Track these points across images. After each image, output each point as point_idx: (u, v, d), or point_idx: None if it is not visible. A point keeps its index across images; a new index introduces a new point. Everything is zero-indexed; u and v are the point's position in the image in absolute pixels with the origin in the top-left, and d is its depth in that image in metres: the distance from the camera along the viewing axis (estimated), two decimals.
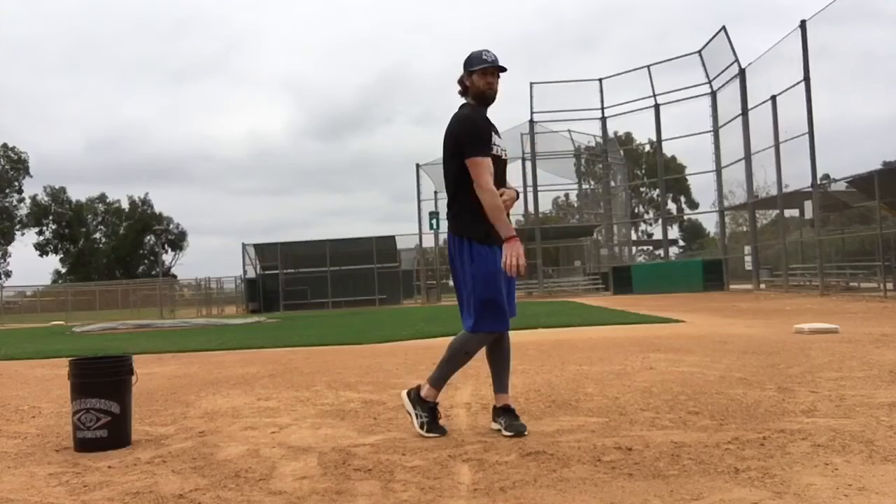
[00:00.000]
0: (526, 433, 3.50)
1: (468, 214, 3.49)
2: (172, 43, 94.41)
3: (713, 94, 29.87)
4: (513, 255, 3.35)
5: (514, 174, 36.60)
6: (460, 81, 3.65)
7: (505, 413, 3.63)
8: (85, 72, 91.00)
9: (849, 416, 3.62)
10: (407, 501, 2.55)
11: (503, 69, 3.58)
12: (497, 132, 3.65)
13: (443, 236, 36.26)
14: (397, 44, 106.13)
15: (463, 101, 3.67)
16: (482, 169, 3.42)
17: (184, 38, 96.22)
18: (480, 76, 3.56)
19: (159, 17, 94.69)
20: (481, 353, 3.72)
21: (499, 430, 3.57)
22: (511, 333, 3.77)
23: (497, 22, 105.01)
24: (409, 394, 3.75)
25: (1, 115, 79.43)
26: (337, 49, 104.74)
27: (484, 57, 3.56)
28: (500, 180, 3.57)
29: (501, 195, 3.48)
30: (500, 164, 3.59)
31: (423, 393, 3.69)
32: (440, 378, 3.70)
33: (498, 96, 3.63)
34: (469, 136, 3.47)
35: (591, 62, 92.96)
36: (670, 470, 2.77)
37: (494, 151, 3.54)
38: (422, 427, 3.60)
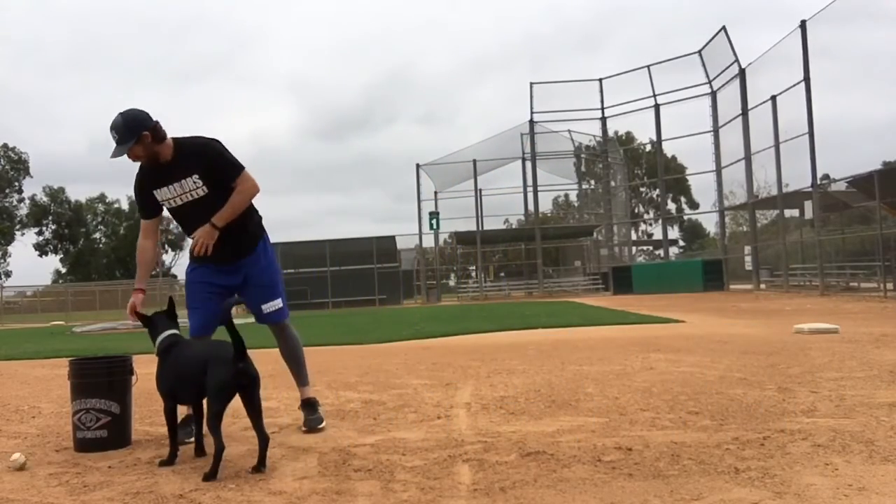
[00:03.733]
0: (320, 427, 3.77)
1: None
2: (177, 43, 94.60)
3: (713, 94, 29.86)
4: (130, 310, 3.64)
5: (514, 174, 36.70)
6: None
7: (305, 407, 3.90)
8: (89, 72, 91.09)
9: (849, 416, 3.62)
10: (407, 501, 2.54)
11: (116, 155, 3.48)
12: (174, 179, 3.57)
13: (443, 237, 36.41)
14: (401, 44, 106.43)
15: None
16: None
17: (188, 39, 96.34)
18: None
19: (164, 17, 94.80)
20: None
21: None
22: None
23: (501, 23, 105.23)
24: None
25: (4, 115, 79.46)
26: (341, 49, 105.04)
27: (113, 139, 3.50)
28: (197, 220, 3.60)
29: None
30: (186, 208, 3.64)
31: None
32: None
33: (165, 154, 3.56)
34: None
35: (594, 63, 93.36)
36: (670, 470, 2.77)
37: (170, 204, 3.65)
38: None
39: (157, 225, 3.84)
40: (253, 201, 3.76)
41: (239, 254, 3.74)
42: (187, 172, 3.55)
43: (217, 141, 3.66)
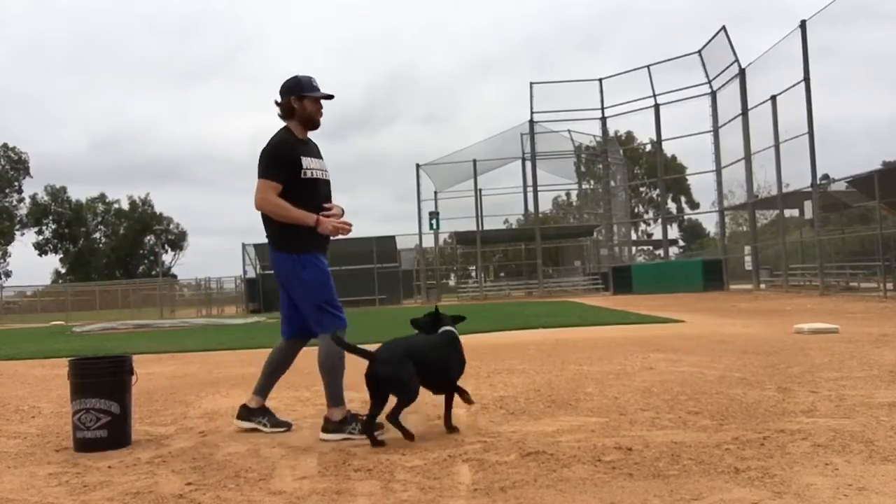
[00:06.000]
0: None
1: (288, 230, 3.70)
2: (178, 43, 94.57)
3: (713, 94, 29.86)
4: (329, 226, 3.69)
5: (514, 174, 36.69)
6: (284, 104, 3.78)
7: (264, 413, 3.89)
8: (90, 72, 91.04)
9: (849, 416, 3.62)
10: (407, 501, 2.55)
11: (331, 97, 3.85)
12: (317, 155, 3.86)
13: (443, 237, 36.40)
14: (402, 44, 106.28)
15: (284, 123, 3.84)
16: (265, 188, 3.67)
17: (189, 39, 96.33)
18: (313, 102, 3.79)
19: (165, 17, 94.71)
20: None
21: (254, 430, 3.82)
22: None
23: (501, 23, 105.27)
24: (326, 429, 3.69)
25: (4, 115, 79.46)
26: (342, 49, 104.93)
27: (315, 85, 3.80)
28: (325, 199, 3.82)
29: (330, 209, 3.76)
30: (319, 186, 3.81)
31: (336, 418, 3.68)
32: (337, 395, 3.74)
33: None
34: (267, 159, 3.70)
35: (594, 63, 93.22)
36: (670, 470, 2.77)
37: (310, 175, 3.75)
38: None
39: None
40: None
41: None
42: (321, 155, 3.92)
43: None
